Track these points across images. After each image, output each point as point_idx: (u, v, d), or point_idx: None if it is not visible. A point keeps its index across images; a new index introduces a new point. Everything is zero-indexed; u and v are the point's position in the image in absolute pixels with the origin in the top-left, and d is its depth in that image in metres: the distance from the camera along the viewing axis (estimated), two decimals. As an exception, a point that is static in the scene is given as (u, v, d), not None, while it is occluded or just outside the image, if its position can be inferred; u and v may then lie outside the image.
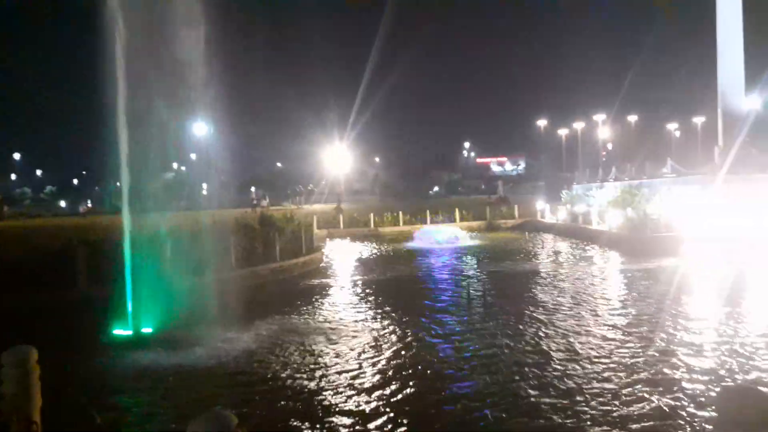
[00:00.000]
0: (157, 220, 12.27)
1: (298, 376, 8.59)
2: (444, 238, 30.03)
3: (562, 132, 76.92)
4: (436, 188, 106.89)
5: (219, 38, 12.38)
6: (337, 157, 61.45)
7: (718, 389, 7.25)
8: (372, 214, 41.25)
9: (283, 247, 20.72)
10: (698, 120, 68.92)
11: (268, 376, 8.67)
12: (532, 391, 7.51)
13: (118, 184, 11.73)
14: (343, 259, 25.55)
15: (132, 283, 11.16)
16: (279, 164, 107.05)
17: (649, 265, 18.53)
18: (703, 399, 7.01)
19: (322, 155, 68.21)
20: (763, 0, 35.57)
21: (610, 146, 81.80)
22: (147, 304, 11.17)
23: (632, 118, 77.83)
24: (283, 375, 8.67)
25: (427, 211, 41.13)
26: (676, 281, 15.47)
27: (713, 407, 6.62)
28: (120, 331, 10.98)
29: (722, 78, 31.08)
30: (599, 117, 70.39)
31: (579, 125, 73.21)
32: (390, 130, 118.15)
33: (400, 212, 41.46)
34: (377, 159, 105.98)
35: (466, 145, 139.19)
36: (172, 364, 9.26)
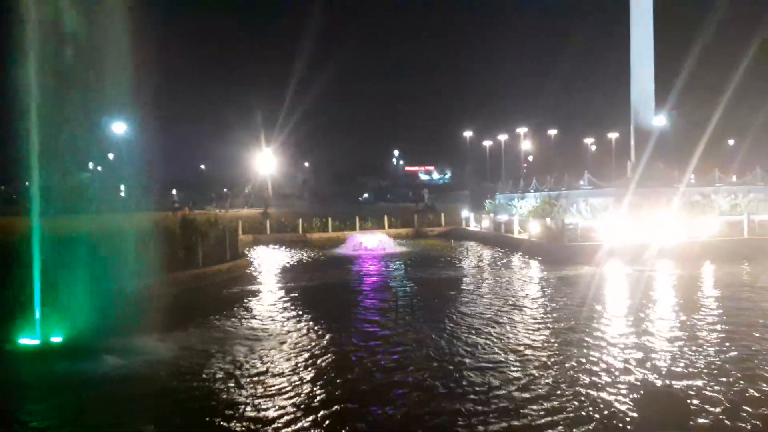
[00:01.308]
0: (69, 223, 11.57)
1: (219, 387, 8.32)
2: (373, 244, 30.15)
3: (487, 143, 79.40)
4: (365, 195, 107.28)
5: (140, 33, 11.83)
6: (265, 161, 60.38)
7: (630, 389, 7.65)
8: (300, 220, 40.82)
9: (207, 252, 20.07)
10: (612, 135, 73.00)
11: (186, 387, 8.33)
12: (448, 394, 7.64)
13: (26, 183, 10.96)
14: (270, 265, 25.09)
15: (41, 288, 10.42)
16: (203, 166, 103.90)
17: (565, 272, 19.36)
18: (616, 399, 7.35)
19: (250, 158, 66.86)
20: (672, 26, 38.26)
21: (531, 158, 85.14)
22: (57, 311, 10.47)
23: (552, 132, 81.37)
24: (203, 386, 8.37)
25: (357, 218, 41.16)
26: (590, 287, 16.24)
27: (628, 408, 6.98)
28: (26, 340, 10.23)
29: (635, 97, 33.07)
30: (521, 130, 73.16)
31: (502, 137, 75.74)
32: (320, 135, 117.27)
33: (329, 218, 41.27)
34: (306, 164, 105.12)
35: (396, 152, 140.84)
36: (84, 376, 8.72)
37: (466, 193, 63.84)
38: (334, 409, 7.36)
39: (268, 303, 15.46)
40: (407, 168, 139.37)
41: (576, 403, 7.29)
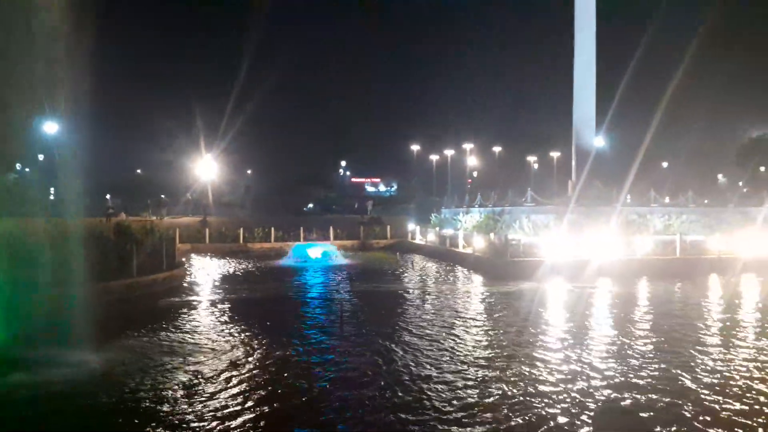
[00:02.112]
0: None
1: (149, 403, 7.76)
2: (317, 255, 29.69)
3: (434, 157, 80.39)
4: (310, 205, 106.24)
5: (74, 32, 11.14)
6: (205, 167, 58.69)
7: (568, 400, 7.62)
8: (241, 229, 39.82)
9: (142, 261, 19.13)
10: (555, 154, 75.36)
11: (114, 401, 7.75)
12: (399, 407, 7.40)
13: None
14: (209, 276, 24.22)
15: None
16: (139, 171, 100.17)
17: (507, 288, 19.54)
18: (560, 414, 7.29)
19: (189, 164, 64.86)
20: (614, 52, 39.94)
21: (476, 174, 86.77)
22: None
23: (497, 149, 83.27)
24: (133, 400, 7.79)
25: (301, 228, 40.52)
26: (532, 303, 16.43)
27: (586, 420, 6.91)
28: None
29: (577, 117, 34.21)
30: (467, 145, 74.51)
31: (449, 152, 76.89)
32: (264, 143, 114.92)
33: (272, 228, 40.44)
34: (249, 171, 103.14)
35: (342, 163, 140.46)
36: (4, 390, 7.99)
37: (413, 206, 64.22)
38: (263, 422, 6.97)
39: (205, 315, 14.79)
40: (353, 179, 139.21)
41: (508, 409, 7.18)
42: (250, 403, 7.88)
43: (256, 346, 11.08)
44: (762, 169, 64.43)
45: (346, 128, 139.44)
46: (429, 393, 8.33)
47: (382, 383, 8.81)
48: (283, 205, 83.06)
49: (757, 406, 7.78)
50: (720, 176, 75.24)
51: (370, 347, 11.09)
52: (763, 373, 9.34)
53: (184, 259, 27.10)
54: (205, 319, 14.14)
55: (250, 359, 10.17)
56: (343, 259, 30.31)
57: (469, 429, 7.01)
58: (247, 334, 12.25)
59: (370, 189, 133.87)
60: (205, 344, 11.32)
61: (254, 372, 9.41)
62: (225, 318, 14.29)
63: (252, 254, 35.05)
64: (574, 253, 24.04)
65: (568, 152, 36.08)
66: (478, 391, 8.46)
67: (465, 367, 9.75)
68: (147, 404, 7.81)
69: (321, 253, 29.98)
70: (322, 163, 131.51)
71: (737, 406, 7.81)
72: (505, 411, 7.59)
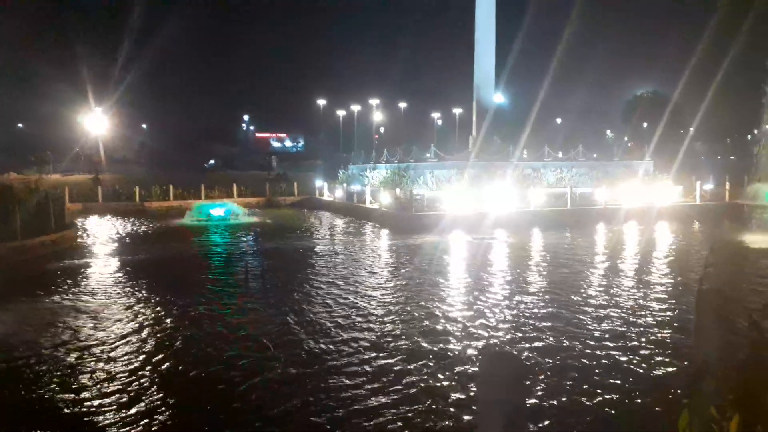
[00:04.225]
0: None
1: (34, 374, 7.38)
2: (220, 214, 28.90)
3: (340, 113, 79.59)
4: (212, 161, 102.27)
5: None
6: (96, 121, 54.61)
7: (474, 351, 8.11)
8: (137, 187, 37.82)
9: (26, 223, 17.77)
10: (457, 111, 77.03)
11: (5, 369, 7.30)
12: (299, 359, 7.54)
13: None
14: (103, 237, 22.95)
15: None
16: (21, 125, 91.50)
17: (412, 241, 20.13)
18: (461, 358, 7.75)
19: (77, 118, 60.06)
20: (515, 9, 40.93)
21: (382, 130, 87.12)
22: None
23: (402, 105, 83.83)
24: (29, 368, 7.37)
25: (202, 186, 39.10)
26: (434, 254, 17.09)
27: (472, 366, 7.37)
28: None
29: (477, 75, 35.05)
30: (374, 101, 74.37)
31: (356, 107, 76.42)
32: (161, 96, 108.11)
33: (171, 186, 38.72)
34: (144, 126, 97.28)
35: (245, 118, 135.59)
36: None
37: (320, 163, 63.71)
38: (166, 386, 6.88)
39: (98, 278, 14.07)
40: (258, 135, 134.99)
41: (408, 353, 7.56)
42: (148, 372, 7.69)
43: (155, 309, 10.75)
44: (645, 125, 69.54)
45: (250, 82, 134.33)
46: (345, 340, 8.53)
47: (291, 338, 8.89)
48: (183, 162, 79.37)
49: (631, 334, 8.66)
50: (608, 131, 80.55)
51: (278, 305, 11.10)
52: (637, 300, 10.38)
53: (75, 220, 25.43)
54: (98, 283, 13.46)
55: (148, 324, 9.87)
56: (249, 218, 29.74)
57: (384, 362, 7.28)
58: (143, 296, 11.83)
59: (275, 145, 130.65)
60: (98, 309, 10.82)
61: (154, 337, 9.16)
62: (121, 281, 13.69)
63: (149, 213, 33.53)
64: (474, 207, 25.06)
65: (470, 109, 37.05)
66: (384, 331, 8.78)
67: (371, 316, 10.04)
68: (32, 375, 7.42)
69: (224, 211, 29.21)
70: (224, 119, 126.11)
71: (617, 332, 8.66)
72: (405, 344, 7.94)
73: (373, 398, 6.58)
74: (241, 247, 20.05)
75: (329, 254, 17.96)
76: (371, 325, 9.56)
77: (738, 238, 19.55)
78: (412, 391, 6.78)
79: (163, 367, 7.71)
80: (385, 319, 10.00)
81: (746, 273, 13.73)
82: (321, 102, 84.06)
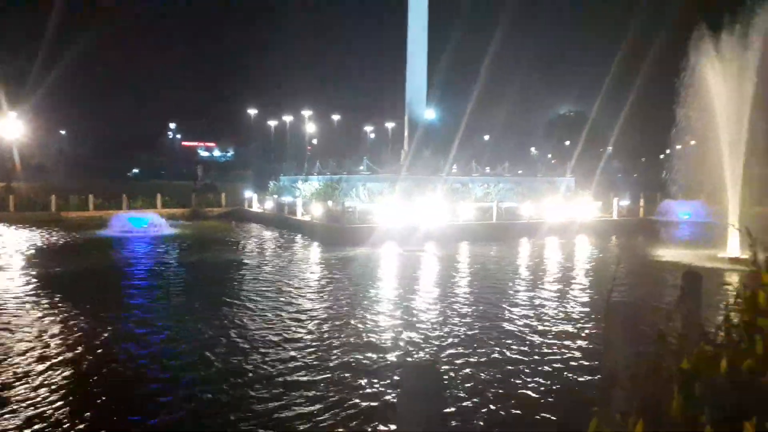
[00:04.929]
0: None
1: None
2: (143, 225, 27.75)
3: (272, 123, 78.74)
4: (135, 170, 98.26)
5: None
6: (10, 126, 51.24)
7: (397, 363, 8.15)
8: (54, 196, 35.74)
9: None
10: (390, 125, 77.97)
11: None
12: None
13: None
14: (13, 247, 21.49)
15: None
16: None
17: (344, 253, 20.09)
18: (385, 372, 7.77)
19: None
20: (447, 26, 42.04)
21: (315, 141, 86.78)
22: None
23: (336, 117, 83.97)
24: None
25: (124, 196, 37.42)
26: (365, 266, 17.13)
27: (394, 379, 7.39)
28: None
29: (409, 90, 35.67)
30: (306, 112, 74.04)
31: (288, 118, 75.82)
32: (82, 101, 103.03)
33: (91, 195, 36.85)
34: (63, 132, 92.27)
35: (172, 126, 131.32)
36: None
37: (250, 173, 62.53)
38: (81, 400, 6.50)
39: (12, 290, 13.14)
40: (185, 143, 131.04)
41: (335, 367, 7.53)
42: (61, 391, 7.25)
43: (66, 324, 10.15)
44: (567, 143, 72.95)
45: (177, 89, 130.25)
46: (262, 355, 8.34)
47: (214, 355, 8.63)
48: (105, 171, 75.85)
49: (549, 336, 8.98)
50: (533, 149, 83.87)
51: (200, 319, 10.75)
52: (555, 312, 10.80)
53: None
54: (7, 296, 12.57)
55: (61, 340, 9.30)
56: (173, 229, 28.73)
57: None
58: (57, 310, 11.15)
59: (204, 154, 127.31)
60: (8, 322, 10.10)
61: (65, 351, 8.64)
62: (31, 294, 12.84)
63: (67, 224, 31.71)
64: (406, 219, 25.35)
65: (403, 124, 37.62)
66: (313, 345, 8.67)
67: (300, 329, 9.90)
68: (-70, 396, 6.81)
69: (147, 222, 28.07)
70: (149, 126, 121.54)
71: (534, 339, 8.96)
72: (335, 356, 7.89)
73: (289, 411, 6.48)
74: (163, 260, 19.30)
75: (256, 267, 17.61)
76: (297, 338, 9.44)
77: (649, 252, 20.78)
78: (334, 401, 6.73)
79: (71, 392, 7.28)
80: (313, 331, 9.89)
81: (655, 285, 14.61)
82: (252, 111, 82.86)
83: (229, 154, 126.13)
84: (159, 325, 10.40)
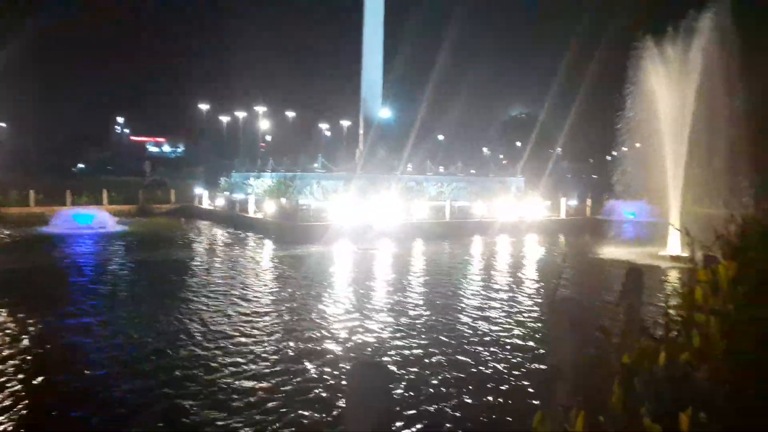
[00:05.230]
0: None
1: None
2: (88, 222, 26.75)
3: (225, 119, 77.23)
4: (81, 165, 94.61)
5: None
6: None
7: (346, 362, 8.13)
8: (-9, 191, 34.06)
9: None
10: (345, 123, 77.72)
11: None
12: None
13: None
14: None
15: None
16: None
17: (297, 252, 19.91)
18: (328, 369, 7.73)
19: None
20: (403, 26, 42.24)
21: (269, 138, 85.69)
22: None
23: (290, 114, 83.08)
24: None
25: (68, 191, 35.95)
26: (317, 265, 17.02)
27: (344, 378, 7.37)
28: None
29: (365, 89, 35.64)
30: (260, 108, 72.93)
31: (241, 114, 74.55)
32: (24, 92, 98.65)
33: (32, 191, 35.26)
34: (3, 124, 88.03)
35: (120, 120, 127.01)
36: None
37: (201, 170, 61.18)
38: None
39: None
40: (133, 138, 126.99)
41: (290, 364, 7.46)
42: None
43: (9, 326, 9.69)
44: (518, 143, 74.53)
45: (125, 82, 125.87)
46: (218, 351, 8.17)
47: (147, 360, 8.39)
48: (48, 166, 72.74)
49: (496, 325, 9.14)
50: (485, 149, 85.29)
51: (147, 318, 10.45)
52: (502, 308, 11.01)
53: None
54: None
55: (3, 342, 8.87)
56: (119, 226, 27.81)
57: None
58: (-5, 312, 10.64)
59: (153, 149, 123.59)
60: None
61: (9, 357, 8.25)
62: (-34, 295, 12.21)
63: (6, 221, 30.28)
64: (360, 218, 25.33)
65: (358, 122, 37.57)
66: (262, 343, 8.55)
67: (247, 330, 9.74)
68: None
69: (92, 219, 27.08)
70: (96, 120, 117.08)
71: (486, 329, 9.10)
72: (288, 353, 7.80)
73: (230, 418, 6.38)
74: (108, 258, 18.67)
75: (205, 266, 17.25)
76: (246, 339, 9.29)
77: (595, 250, 21.44)
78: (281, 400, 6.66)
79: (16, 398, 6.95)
80: (262, 331, 9.76)
81: (599, 282, 15.08)
82: (204, 107, 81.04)
83: (179, 150, 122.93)
84: (103, 325, 10.06)
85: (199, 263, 17.73)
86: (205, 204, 38.20)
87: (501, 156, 74.32)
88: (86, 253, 19.64)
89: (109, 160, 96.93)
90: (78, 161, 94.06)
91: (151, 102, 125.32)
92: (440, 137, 78.07)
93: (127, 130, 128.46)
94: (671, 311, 2.12)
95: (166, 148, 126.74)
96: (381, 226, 24.47)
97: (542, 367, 7.80)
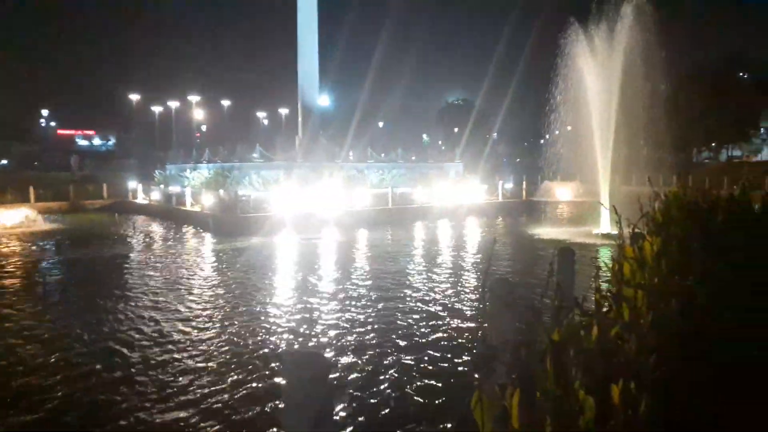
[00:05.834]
0: None
1: None
2: (14, 221, 25.30)
3: (156, 109, 74.45)
4: (4, 161, 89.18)
5: None
6: None
7: (282, 351, 8.05)
8: None
9: None
10: (283, 111, 76.53)
11: None
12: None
13: None
14: None
15: None
16: None
17: (237, 244, 19.52)
18: (272, 359, 7.65)
19: None
20: (335, 16, 41.77)
21: (204, 128, 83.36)
22: None
23: (226, 103, 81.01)
24: None
25: (-11, 189, 33.82)
26: (258, 257, 16.76)
27: (279, 367, 7.30)
28: None
29: (301, 76, 35.14)
30: (194, 98, 70.77)
31: (173, 104, 72.10)
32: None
33: (-52, 190, 32.96)
34: None
35: (45, 113, 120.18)
36: None
37: (134, 162, 58.94)
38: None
39: None
40: (60, 132, 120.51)
41: (231, 359, 7.34)
42: None
43: None
44: (456, 129, 75.58)
45: (51, 73, 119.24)
46: (154, 352, 7.91)
47: (82, 358, 8.05)
48: (-35, 162, 68.12)
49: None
50: (425, 135, 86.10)
51: (74, 322, 9.99)
52: (442, 291, 11.19)
53: None
54: None
55: None
56: (48, 224, 26.45)
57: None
58: None
59: (82, 143, 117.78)
60: None
61: None
62: None
63: None
64: (302, 207, 25.09)
65: (297, 110, 37.03)
66: (204, 340, 8.35)
67: (185, 327, 9.49)
68: None
69: (19, 217, 25.63)
70: (19, 113, 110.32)
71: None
72: (225, 351, 7.65)
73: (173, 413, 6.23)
74: (38, 257, 17.73)
75: (141, 262, 16.64)
76: (183, 337, 9.06)
77: (530, 230, 22.09)
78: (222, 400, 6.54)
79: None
80: (201, 328, 9.53)
81: (532, 261, 15.55)
82: (134, 97, 77.88)
83: (110, 143, 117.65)
84: (35, 327, 9.54)
85: (133, 260, 17.08)
86: (140, 198, 36.89)
87: (440, 142, 75.13)
88: (11, 254, 18.55)
89: (35, 155, 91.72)
90: (2, 157, 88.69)
91: (79, 93, 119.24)
92: (381, 124, 78.21)
93: (53, 123, 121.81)
94: (602, 286, 2.19)
95: (97, 141, 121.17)
96: (324, 215, 24.34)
97: (478, 348, 7.97)
